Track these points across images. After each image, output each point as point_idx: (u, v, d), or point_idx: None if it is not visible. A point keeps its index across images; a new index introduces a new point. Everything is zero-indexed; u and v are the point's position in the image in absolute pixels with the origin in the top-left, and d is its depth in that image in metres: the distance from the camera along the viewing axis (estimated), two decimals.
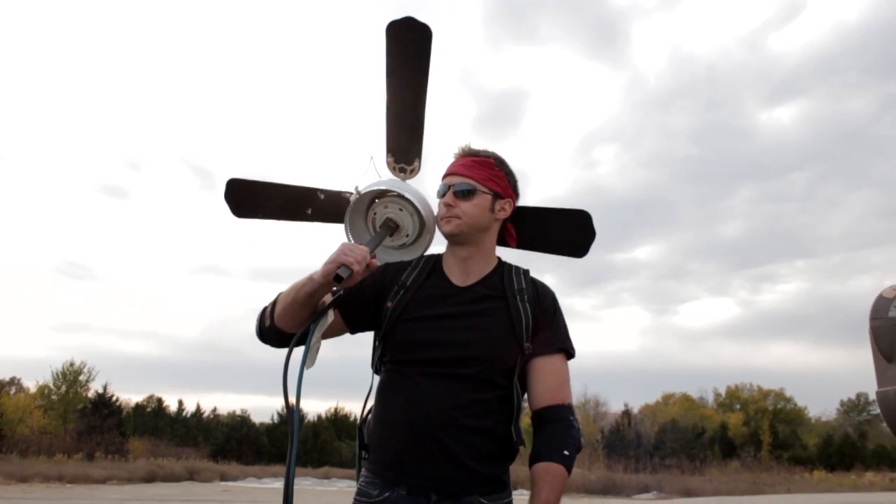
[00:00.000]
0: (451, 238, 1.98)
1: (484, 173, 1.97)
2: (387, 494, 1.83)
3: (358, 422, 2.03)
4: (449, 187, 1.96)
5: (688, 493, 24.94)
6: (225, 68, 76.06)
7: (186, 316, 75.69)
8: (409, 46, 2.18)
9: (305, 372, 1.76)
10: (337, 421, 46.31)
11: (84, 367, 41.48)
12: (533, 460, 1.82)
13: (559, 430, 1.84)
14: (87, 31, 71.54)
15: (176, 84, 73.37)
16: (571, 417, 1.87)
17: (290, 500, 1.64)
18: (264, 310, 1.98)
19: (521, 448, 1.93)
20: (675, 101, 77.66)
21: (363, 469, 1.94)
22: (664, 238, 79.93)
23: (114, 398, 41.52)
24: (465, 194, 1.94)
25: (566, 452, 1.81)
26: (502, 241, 2.11)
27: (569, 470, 1.80)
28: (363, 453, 1.96)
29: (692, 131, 75.57)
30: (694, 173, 76.40)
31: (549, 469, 1.79)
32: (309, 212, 2.38)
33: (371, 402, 2.01)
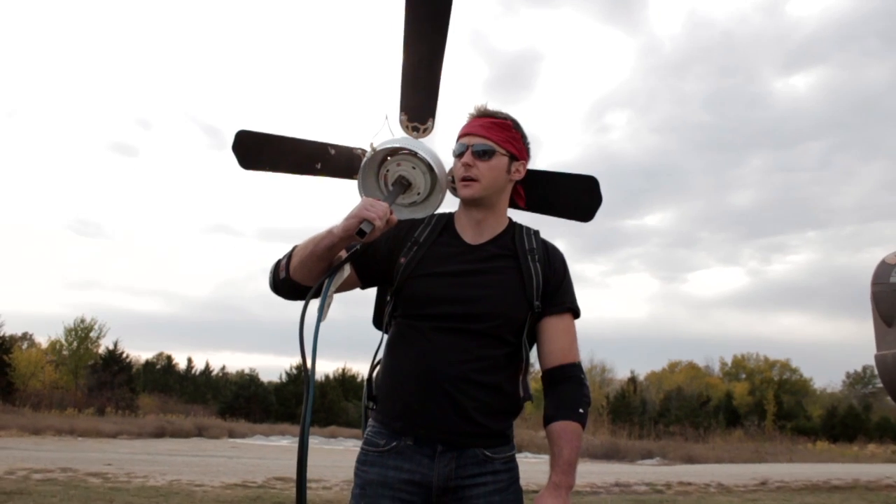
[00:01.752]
0: (469, 202, 2.00)
1: (502, 135, 1.98)
2: (394, 444, 1.88)
3: (366, 374, 2.07)
4: (467, 147, 1.96)
5: (690, 461, 25.10)
6: (237, 25, 75.61)
7: (196, 275, 76.23)
8: (428, 7, 2.18)
9: (321, 324, 1.79)
10: (344, 381, 46.69)
11: (95, 323, 41.86)
12: (549, 419, 1.88)
13: (572, 389, 1.90)
14: None
15: (186, 42, 73.19)
16: (582, 375, 1.94)
17: (305, 449, 1.68)
18: (278, 262, 2.00)
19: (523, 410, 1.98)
20: (689, 67, 77.02)
21: (370, 420, 1.99)
22: (675, 205, 79.78)
23: (124, 355, 41.92)
24: (484, 155, 1.95)
25: (581, 410, 1.88)
26: (511, 203, 2.14)
27: (584, 427, 1.87)
28: (371, 404, 2.00)
29: (706, 97, 74.99)
30: (706, 140, 75.80)
31: (568, 427, 1.85)
32: (319, 167, 2.39)
33: (380, 356, 2.05)
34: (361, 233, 1.77)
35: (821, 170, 74.36)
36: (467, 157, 1.95)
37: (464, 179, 1.96)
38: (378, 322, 2.23)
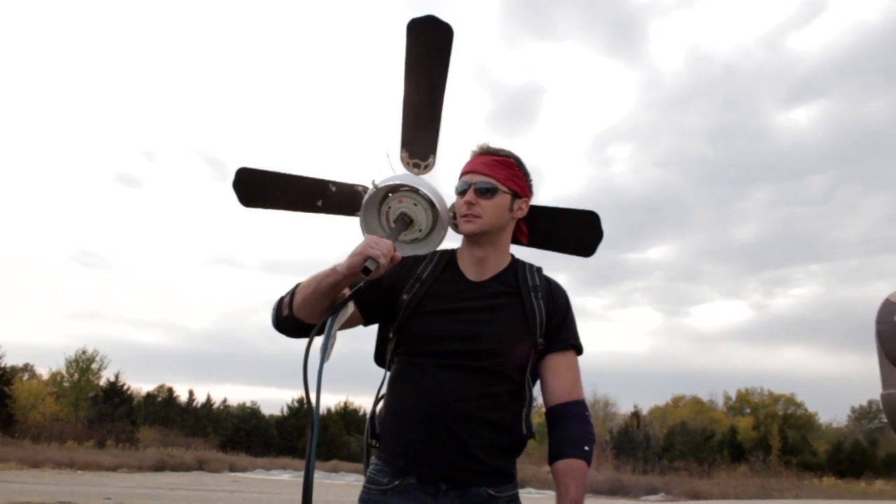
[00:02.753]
0: (471, 238, 1.99)
1: (504, 173, 1.98)
2: (396, 482, 1.86)
3: (369, 412, 2.05)
4: (470, 185, 1.96)
5: (695, 496, 24.88)
6: (241, 60, 76.34)
7: (198, 307, 76.06)
8: (429, 44, 2.20)
9: (325, 364, 1.79)
10: (346, 415, 46.43)
11: (96, 355, 41.83)
12: (555, 457, 1.87)
13: (577, 426, 1.89)
14: (103, 20, 71.93)
15: (191, 75, 73.86)
16: (587, 413, 1.93)
17: (309, 487, 1.70)
18: (281, 299, 2.00)
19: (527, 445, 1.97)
20: (691, 101, 77.40)
21: (373, 457, 1.97)
22: (678, 239, 79.76)
23: (125, 387, 41.79)
24: (487, 193, 1.95)
25: (586, 448, 1.87)
26: (513, 239, 2.14)
27: (589, 465, 1.86)
28: (374, 442, 1.98)
29: (708, 131, 75.25)
30: (709, 174, 76.07)
31: (573, 465, 1.84)
32: (319, 203, 2.39)
33: (383, 392, 2.03)
34: (366, 271, 1.76)
35: (824, 203, 74.46)
36: (470, 196, 1.95)
37: (466, 216, 1.96)
38: (380, 359, 2.21)
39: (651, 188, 76.73)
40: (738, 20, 77.99)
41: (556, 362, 1.95)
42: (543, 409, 1.98)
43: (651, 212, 77.08)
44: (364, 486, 1.94)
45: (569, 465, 1.84)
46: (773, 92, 75.34)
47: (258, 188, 2.43)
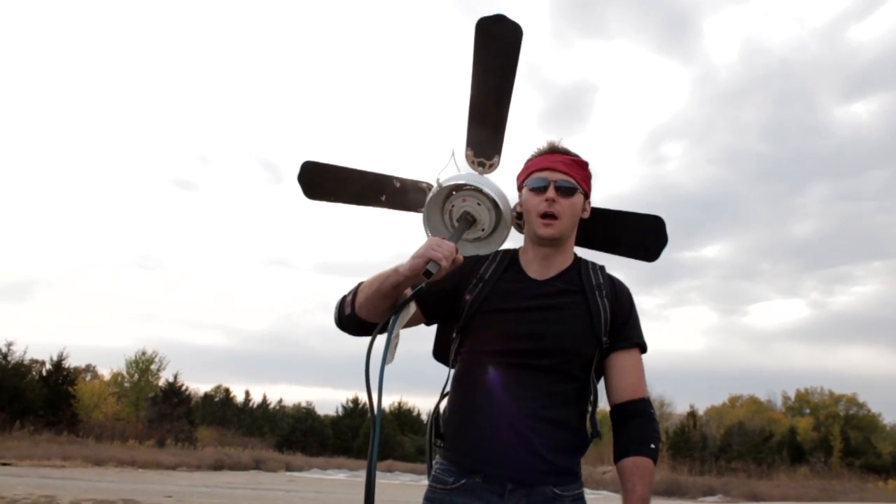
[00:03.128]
0: (548, 242, 1.97)
1: (581, 173, 1.99)
2: (463, 482, 1.86)
3: (432, 411, 2.05)
4: (549, 182, 1.95)
5: (755, 498, 24.43)
6: (300, 61, 77.43)
7: (254, 308, 77.10)
8: (497, 43, 2.19)
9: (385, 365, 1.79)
10: (400, 415, 46.66)
11: (155, 356, 42.80)
12: (620, 455, 1.86)
13: (643, 424, 1.88)
14: (157, 27, 73.47)
15: (247, 78, 74.88)
16: (652, 411, 1.91)
17: (372, 486, 1.71)
18: (344, 298, 2.01)
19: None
20: (746, 96, 75.85)
21: (437, 457, 1.97)
22: (734, 237, 78.32)
23: (183, 387, 42.63)
24: (567, 192, 1.95)
25: (652, 445, 1.85)
26: None
27: (655, 462, 1.84)
28: (438, 441, 1.99)
29: (763, 127, 73.77)
30: (765, 170, 74.56)
31: (639, 463, 1.83)
32: (383, 198, 2.40)
33: (447, 391, 2.04)
34: (428, 273, 1.77)
35: (885, 199, 72.33)
36: (551, 192, 1.94)
37: (545, 216, 1.94)
38: (439, 354, 2.22)
39: (705, 185, 75.62)
40: (793, 13, 76.41)
41: (620, 360, 1.93)
42: (608, 411, 1.97)
43: (705, 209, 75.90)
44: (429, 486, 1.94)
45: (635, 462, 1.83)
46: (830, 85, 73.63)
47: (323, 181, 2.44)
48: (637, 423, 1.88)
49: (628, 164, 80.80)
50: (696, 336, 79.47)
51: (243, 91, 76.23)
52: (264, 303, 76.89)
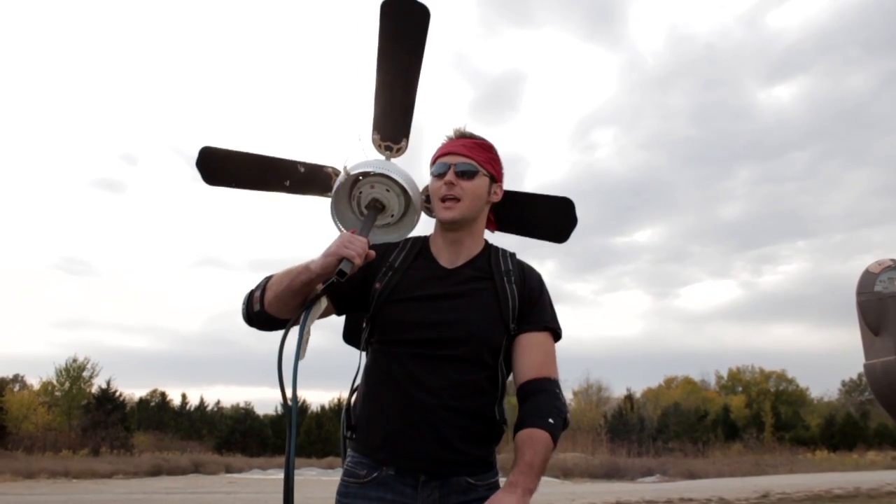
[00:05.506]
0: (450, 224, 1.96)
1: (484, 156, 1.96)
2: (375, 475, 1.83)
3: (344, 403, 2.01)
4: (449, 166, 1.93)
5: (691, 476, 25.01)
6: (214, 54, 76.14)
7: (187, 309, 75.88)
8: (403, 26, 2.16)
9: (300, 362, 1.76)
10: (340, 411, 46.34)
11: (87, 363, 41.67)
12: (517, 428, 1.79)
13: (545, 400, 1.82)
14: (78, 24, 71.37)
15: (167, 74, 73.39)
16: (557, 390, 1.86)
17: (290, 488, 1.67)
18: (251, 294, 1.97)
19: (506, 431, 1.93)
20: (673, 82, 77.75)
21: (349, 450, 1.94)
22: (665, 221, 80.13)
23: (117, 393, 41.60)
24: (467, 175, 1.92)
25: (551, 420, 1.77)
26: None
27: (554, 439, 1.76)
28: (350, 434, 1.95)
29: (691, 111, 75.69)
30: (693, 154, 76.50)
31: (533, 434, 1.74)
32: (287, 184, 2.36)
33: (357, 383, 2.00)
34: (341, 273, 1.74)
35: (808, 179, 75.04)
36: (450, 176, 1.92)
37: (445, 199, 1.93)
38: (349, 338, 2.18)
39: (636, 171, 77.13)
40: None
41: (526, 341, 1.90)
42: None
43: (637, 195, 77.50)
44: (342, 480, 1.91)
45: (529, 433, 1.74)
46: (754, 70, 75.91)
47: (222, 166, 2.38)
48: (539, 398, 1.82)
49: (559, 152, 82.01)
50: (632, 320, 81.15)
51: (166, 86, 74.66)
52: (197, 303, 75.73)
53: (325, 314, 1.97)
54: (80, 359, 41.71)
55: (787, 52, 74.91)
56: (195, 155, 2.35)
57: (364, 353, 1.99)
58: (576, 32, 78.63)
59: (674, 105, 76.83)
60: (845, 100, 73.69)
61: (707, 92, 75.60)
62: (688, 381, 54.43)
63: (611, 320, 79.27)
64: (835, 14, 74.62)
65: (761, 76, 76.34)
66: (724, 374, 54.90)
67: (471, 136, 2.00)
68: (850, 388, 51.93)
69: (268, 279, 1.95)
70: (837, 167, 76.56)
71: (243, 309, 1.98)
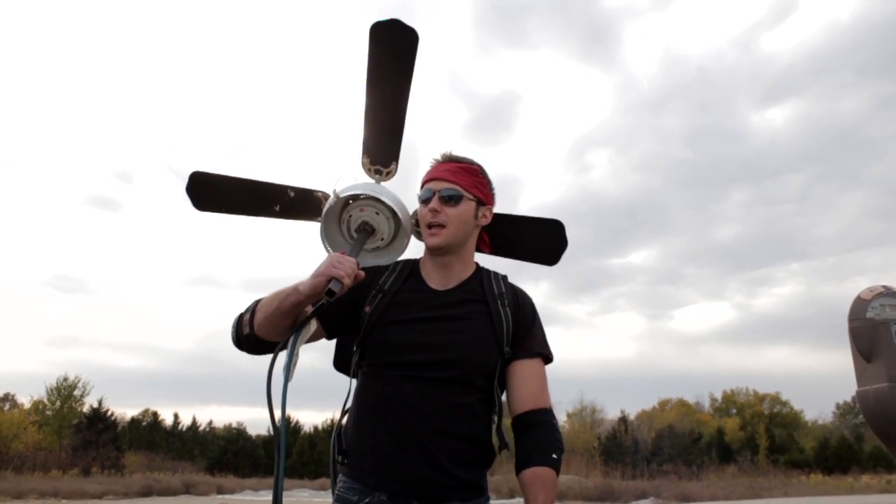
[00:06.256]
0: (438, 250, 1.96)
1: (469, 180, 1.96)
2: (367, 500, 1.82)
3: (335, 427, 1.99)
4: (434, 193, 1.94)
5: (685, 499, 24.86)
6: (210, 75, 76.27)
7: (180, 328, 75.59)
8: (392, 49, 2.16)
9: (290, 383, 1.75)
10: (333, 432, 46.15)
11: (78, 381, 41.34)
12: (522, 466, 1.81)
13: (545, 435, 1.84)
14: (74, 42, 71.60)
15: (163, 93, 73.59)
16: (554, 421, 1.88)
17: None
18: (241, 317, 1.96)
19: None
20: (667, 104, 78.08)
21: (340, 475, 1.92)
22: (659, 242, 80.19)
23: (109, 413, 41.26)
24: (451, 200, 1.93)
25: (554, 456, 1.80)
26: (476, 248, 2.11)
27: (557, 473, 1.80)
28: (341, 458, 1.93)
29: (685, 134, 75.98)
30: (688, 176, 76.75)
31: (541, 473, 1.78)
32: (277, 209, 2.36)
33: (348, 406, 1.99)
34: (331, 293, 1.73)
35: (802, 201, 75.23)
36: (434, 203, 1.93)
37: (431, 226, 1.94)
38: (339, 365, 2.18)
39: (630, 193, 77.29)
40: (710, 22, 79.12)
41: (521, 370, 1.91)
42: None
43: (631, 216, 77.64)
44: None
45: (536, 473, 1.78)
46: (747, 92, 76.32)
47: (212, 192, 2.38)
48: (538, 433, 1.84)
49: (554, 174, 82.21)
50: (625, 342, 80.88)
51: (161, 106, 74.85)
52: (190, 322, 75.48)
53: (314, 337, 1.96)
54: (72, 377, 41.43)
55: (780, 75, 75.52)
56: (187, 172, 2.35)
57: (354, 378, 1.98)
58: (571, 54, 79.15)
59: (668, 127, 77.25)
60: (839, 123, 74.30)
61: (701, 114, 76.19)
62: (682, 404, 54.26)
63: (605, 342, 79.19)
64: (828, 38, 75.28)
65: (755, 99, 76.92)
66: (719, 396, 54.87)
67: (457, 160, 2.00)
68: (844, 410, 51.87)
69: (257, 302, 1.94)
70: (831, 190, 76.92)
71: (232, 332, 1.97)
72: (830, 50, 75.15)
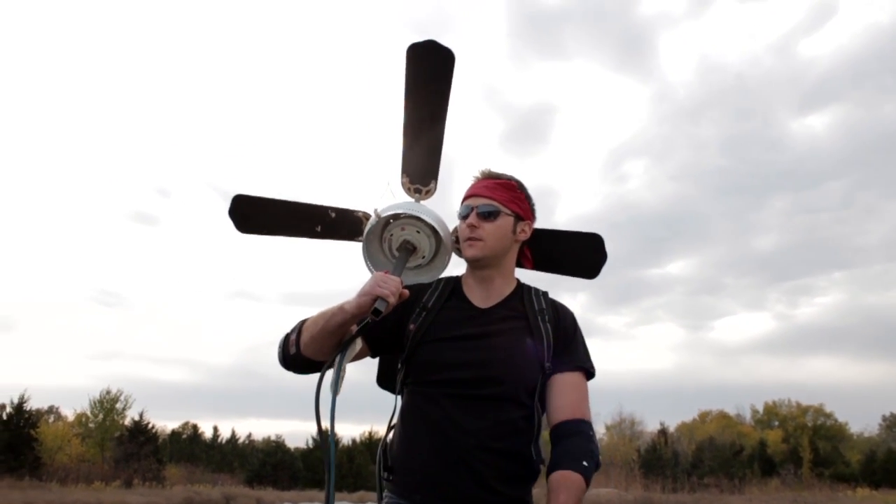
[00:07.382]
0: (474, 262, 1.98)
1: (506, 195, 1.98)
2: None
3: (380, 443, 2.01)
4: (472, 209, 1.96)
5: None
6: (250, 94, 77.21)
7: (220, 342, 76.13)
8: (430, 69, 2.19)
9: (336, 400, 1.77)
10: (371, 445, 46.08)
11: (120, 394, 41.93)
12: (550, 470, 1.79)
13: (578, 443, 1.82)
14: (117, 63, 72.97)
15: (204, 110, 74.75)
16: (591, 432, 1.86)
17: None
18: (287, 337, 1.98)
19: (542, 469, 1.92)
20: (704, 112, 77.32)
21: (386, 491, 1.94)
22: (697, 252, 79.30)
23: (150, 425, 41.70)
24: (489, 216, 1.95)
25: (585, 463, 1.77)
26: (518, 264, 2.12)
27: (587, 481, 1.75)
28: (387, 475, 1.94)
29: (722, 142, 75.01)
30: (726, 185, 75.70)
31: (567, 476, 1.73)
32: (319, 229, 2.38)
33: (394, 423, 2.00)
34: (376, 312, 1.74)
35: (844, 209, 73.71)
36: (472, 219, 1.95)
37: (469, 239, 1.96)
38: (383, 381, 2.19)
39: (668, 202, 76.52)
40: (747, 28, 78.02)
41: (561, 381, 1.90)
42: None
43: (669, 226, 76.83)
44: None
45: (562, 475, 1.73)
46: (786, 99, 75.36)
47: (254, 214, 2.42)
48: (573, 440, 1.82)
49: (591, 184, 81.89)
50: (664, 353, 79.88)
51: (201, 122, 76.04)
52: (230, 336, 75.92)
53: (359, 356, 1.98)
54: (114, 391, 42.06)
55: (819, 81, 74.32)
56: (228, 188, 2.41)
57: (399, 396, 1.99)
58: (606, 64, 78.71)
59: (705, 135, 76.47)
60: (880, 128, 72.73)
61: (738, 122, 75.20)
62: (722, 416, 53.50)
63: (644, 353, 78.21)
64: (868, 42, 73.81)
65: (793, 105, 75.89)
66: (760, 407, 53.91)
67: (495, 176, 2.02)
68: (891, 422, 50.74)
69: (302, 322, 1.96)
70: (874, 197, 75.24)
71: (279, 353, 2.00)
72: (870, 54, 73.78)
